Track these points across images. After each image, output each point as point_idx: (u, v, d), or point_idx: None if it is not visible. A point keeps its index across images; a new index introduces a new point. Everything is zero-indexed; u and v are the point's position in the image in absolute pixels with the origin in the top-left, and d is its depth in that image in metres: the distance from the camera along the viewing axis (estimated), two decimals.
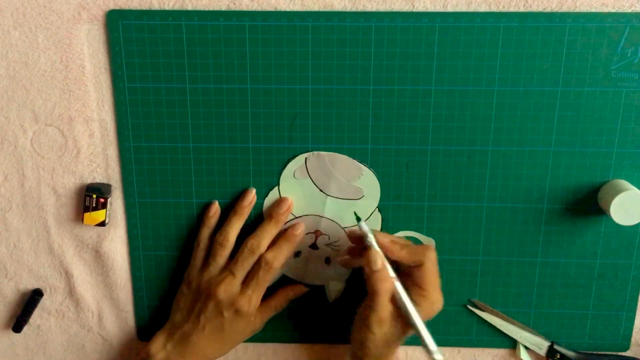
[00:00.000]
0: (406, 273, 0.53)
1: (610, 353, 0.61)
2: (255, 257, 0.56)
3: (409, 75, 0.54)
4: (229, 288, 0.55)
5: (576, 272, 0.59)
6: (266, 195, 0.58)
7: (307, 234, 0.59)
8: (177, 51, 0.54)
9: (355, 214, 0.55)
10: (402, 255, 0.52)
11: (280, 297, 0.59)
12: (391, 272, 0.52)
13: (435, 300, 0.52)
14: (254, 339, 0.60)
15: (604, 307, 0.60)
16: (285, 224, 0.58)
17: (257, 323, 0.58)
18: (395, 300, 0.51)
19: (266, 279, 0.56)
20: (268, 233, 0.57)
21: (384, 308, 0.51)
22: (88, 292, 0.61)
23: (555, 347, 0.60)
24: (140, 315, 0.62)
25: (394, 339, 0.52)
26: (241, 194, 0.58)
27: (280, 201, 0.57)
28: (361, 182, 0.57)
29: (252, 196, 0.57)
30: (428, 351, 0.50)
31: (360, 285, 0.60)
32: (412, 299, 0.51)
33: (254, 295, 0.56)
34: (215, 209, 0.58)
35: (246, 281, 0.56)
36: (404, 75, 0.54)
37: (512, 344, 0.61)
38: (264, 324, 0.59)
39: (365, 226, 0.53)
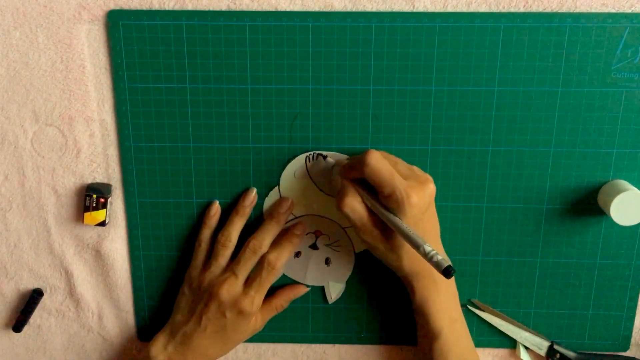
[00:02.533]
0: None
1: (610, 353, 0.61)
2: (257, 258, 0.56)
3: (409, 75, 0.54)
4: (231, 289, 0.55)
5: (576, 272, 0.59)
6: (266, 195, 0.58)
7: (307, 234, 0.59)
8: (178, 51, 0.54)
9: (321, 155, 0.56)
10: (352, 173, 0.52)
11: (281, 297, 0.59)
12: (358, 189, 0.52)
13: (401, 195, 0.48)
14: (254, 339, 0.60)
15: (604, 307, 0.60)
16: (286, 224, 0.58)
17: (258, 323, 0.58)
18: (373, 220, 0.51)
19: (269, 279, 0.56)
20: (269, 233, 0.57)
21: (358, 219, 0.51)
22: (88, 292, 0.61)
23: (555, 347, 0.60)
24: (140, 315, 0.62)
25: (399, 252, 0.52)
26: (241, 194, 0.58)
27: (280, 201, 0.57)
28: None
29: (253, 196, 0.57)
30: (415, 246, 0.48)
31: (360, 286, 0.60)
32: (386, 205, 0.50)
33: (257, 296, 0.56)
34: (216, 209, 0.58)
35: (248, 282, 0.56)
36: (404, 75, 0.54)
37: (512, 344, 0.61)
38: (264, 324, 0.59)
39: (330, 160, 0.55)
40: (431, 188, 0.51)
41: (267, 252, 0.56)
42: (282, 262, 0.57)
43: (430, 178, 0.51)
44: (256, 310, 0.56)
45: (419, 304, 0.54)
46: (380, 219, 0.51)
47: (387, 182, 0.49)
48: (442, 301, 0.54)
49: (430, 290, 0.54)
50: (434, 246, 0.50)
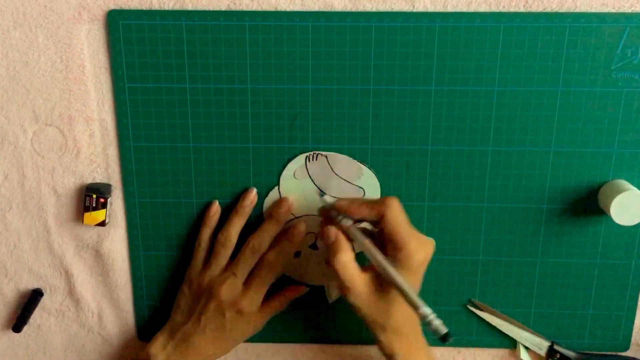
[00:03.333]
0: (380, 232, 0.50)
1: (610, 353, 0.61)
2: (257, 257, 0.56)
3: (409, 75, 0.54)
4: (231, 288, 0.55)
5: (576, 272, 0.59)
6: (266, 195, 0.58)
7: (307, 234, 0.59)
8: (177, 51, 0.54)
9: (318, 188, 0.56)
10: (362, 211, 0.50)
11: (280, 297, 0.59)
12: (361, 237, 0.50)
13: (412, 250, 0.48)
14: (254, 339, 0.60)
15: (604, 307, 0.60)
16: (286, 224, 0.58)
17: (258, 323, 0.58)
18: (373, 269, 0.50)
19: (268, 279, 0.56)
20: (269, 233, 0.57)
21: (348, 280, 0.49)
22: (88, 292, 0.61)
23: (555, 347, 0.60)
24: (140, 315, 0.62)
25: (388, 309, 0.50)
26: (241, 194, 0.58)
27: (280, 201, 0.57)
28: (361, 182, 0.57)
29: (253, 195, 0.57)
30: (413, 307, 0.47)
31: None
32: (389, 256, 0.49)
33: (256, 296, 0.56)
34: (216, 209, 0.58)
35: (248, 281, 0.56)
36: (404, 75, 0.54)
37: (512, 344, 0.61)
38: (264, 323, 0.59)
39: (329, 198, 0.53)
40: (433, 247, 0.50)
41: (267, 252, 0.56)
42: (282, 262, 0.57)
43: (432, 239, 0.51)
44: (255, 309, 0.56)
45: (388, 354, 0.52)
46: (373, 276, 0.50)
47: (402, 235, 0.48)
48: (414, 356, 0.52)
49: (403, 346, 0.51)
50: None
